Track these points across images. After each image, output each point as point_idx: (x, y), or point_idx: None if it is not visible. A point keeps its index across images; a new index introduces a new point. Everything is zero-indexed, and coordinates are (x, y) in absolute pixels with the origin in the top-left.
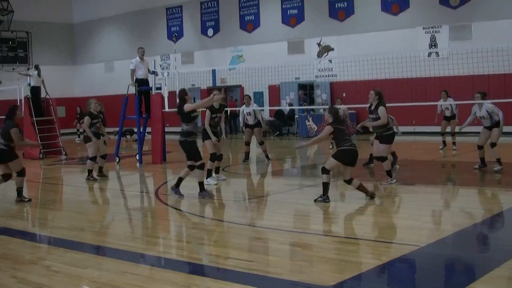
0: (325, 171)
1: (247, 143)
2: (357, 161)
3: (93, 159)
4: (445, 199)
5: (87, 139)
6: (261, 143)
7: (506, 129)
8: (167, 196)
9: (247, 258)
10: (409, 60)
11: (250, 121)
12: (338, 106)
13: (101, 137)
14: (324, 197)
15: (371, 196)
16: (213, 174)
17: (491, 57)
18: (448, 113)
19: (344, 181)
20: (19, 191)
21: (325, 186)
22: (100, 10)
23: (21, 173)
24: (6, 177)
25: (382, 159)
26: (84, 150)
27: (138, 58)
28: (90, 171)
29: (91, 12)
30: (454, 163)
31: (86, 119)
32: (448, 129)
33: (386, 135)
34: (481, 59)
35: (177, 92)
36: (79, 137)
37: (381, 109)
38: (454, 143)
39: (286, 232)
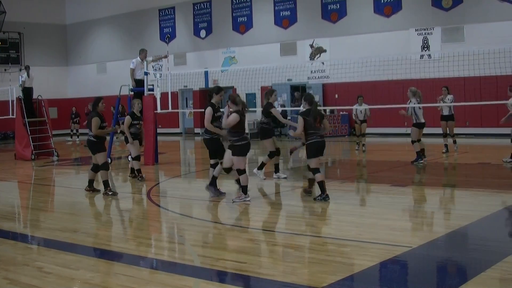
0: (315, 170)
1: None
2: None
3: (137, 158)
4: (437, 200)
5: (126, 140)
6: None
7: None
8: (159, 198)
9: (239, 259)
10: (402, 62)
11: None
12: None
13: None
14: (324, 196)
15: (308, 192)
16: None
17: (483, 59)
18: (446, 112)
19: (313, 168)
20: (105, 183)
21: (321, 184)
22: (93, 11)
23: (104, 166)
24: (106, 165)
25: None
26: (76, 152)
27: (139, 58)
28: (138, 171)
29: (84, 13)
30: (447, 164)
31: (127, 119)
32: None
33: None
34: (473, 61)
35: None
36: (71, 138)
37: None
38: (455, 142)
39: (278, 234)
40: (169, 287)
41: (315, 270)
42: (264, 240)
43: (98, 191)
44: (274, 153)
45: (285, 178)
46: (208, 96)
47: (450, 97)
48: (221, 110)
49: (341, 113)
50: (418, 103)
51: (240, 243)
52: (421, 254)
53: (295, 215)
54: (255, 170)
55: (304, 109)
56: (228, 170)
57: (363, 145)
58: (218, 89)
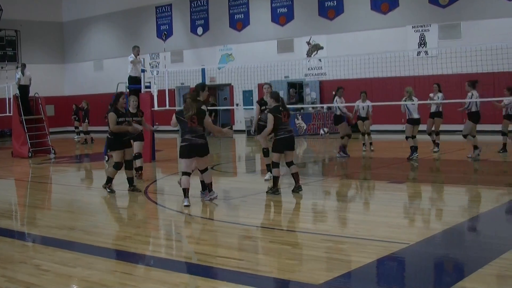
0: (275, 165)
1: None
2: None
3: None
4: (434, 197)
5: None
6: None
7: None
8: (156, 195)
9: (237, 256)
10: (398, 59)
11: None
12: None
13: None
14: (274, 190)
15: (297, 189)
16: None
17: (480, 56)
18: (433, 109)
19: (286, 163)
20: (109, 179)
21: (275, 179)
22: (90, 9)
23: (115, 165)
24: (118, 165)
25: None
26: (76, 149)
27: (133, 55)
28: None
29: (80, 10)
30: (443, 161)
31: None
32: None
33: None
34: (470, 58)
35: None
36: (78, 135)
37: None
38: (437, 144)
39: (275, 231)
40: (166, 284)
41: (312, 267)
42: (261, 237)
43: (114, 192)
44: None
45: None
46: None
47: (440, 95)
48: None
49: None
50: (408, 100)
51: (237, 240)
52: (418, 251)
53: (292, 212)
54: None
55: (274, 105)
56: (288, 164)
57: (370, 143)
58: (204, 86)
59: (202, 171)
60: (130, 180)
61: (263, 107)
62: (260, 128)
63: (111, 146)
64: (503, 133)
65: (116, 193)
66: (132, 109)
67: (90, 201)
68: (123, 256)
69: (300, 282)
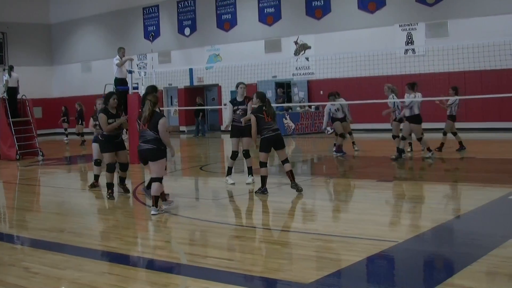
0: (262, 164)
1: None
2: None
3: (98, 163)
4: (423, 195)
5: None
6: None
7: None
8: (144, 196)
9: (227, 257)
10: (386, 58)
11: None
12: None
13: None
14: (263, 189)
15: (296, 188)
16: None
17: (467, 54)
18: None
19: (281, 161)
20: (108, 185)
21: (263, 178)
22: (77, 11)
23: (107, 167)
24: (111, 167)
25: None
26: (65, 151)
27: (118, 57)
28: (97, 177)
29: (68, 12)
30: (432, 160)
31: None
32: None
33: None
34: (457, 56)
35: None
36: (67, 136)
37: None
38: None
39: (265, 231)
40: (156, 285)
41: (302, 266)
42: (251, 237)
43: (113, 198)
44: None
45: (232, 184)
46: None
47: (419, 94)
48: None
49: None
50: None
51: (227, 240)
52: (408, 248)
53: (282, 212)
54: (226, 178)
55: (258, 105)
56: (283, 162)
57: (353, 143)
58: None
59: (151, 180)
60: (121, 180)
61: (235, 107)
62: (234, 129)
63: (103, 148)
64: (444, 133)
65: (104, 194)
66: (111, 110)
67: (79, 202)
68: (113, 257)
69: (290, 281)
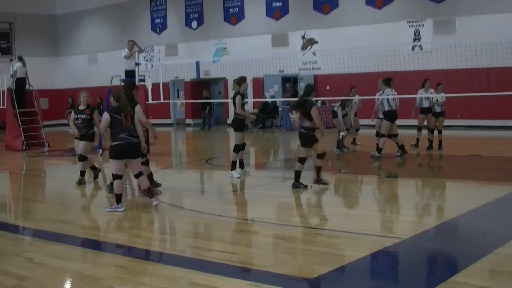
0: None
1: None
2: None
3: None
4: (428, 192)
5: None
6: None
7: (492, 123)
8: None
9: (231, 250)
10: (393, 54)
11: None
12: (352, 97)
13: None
14: (298, 184)
15: (318, 181)
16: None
17: (474, 51)
18: (426, 105)
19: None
20: (81, 173)
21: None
22: (84, 2)
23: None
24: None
25: None
26: (69, 142)
27: (127, 49)
28: (83, 173)
29: (74, 3)
30: (437, 156)
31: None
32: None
33: None
34: (465, 54)
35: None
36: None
37: None
38: (429, 139)
39: (269, 225)
40: (160, 278)
41: (306, 261)
42: (255, 231)
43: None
44: (240, 148)
45: (238, 177)
46: (128, 91)
47: (432, 90)
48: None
49: (332, 104)
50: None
51: (231, 234)
52: (412, 245)
53: (286, 206)
54: (233, 173)
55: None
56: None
57: (429, 139)
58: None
59: (137, 176)
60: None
61: (243, 101)
62: (233, 121)
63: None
64: (419, 128)
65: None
66: (82, 106)
67: (84, 194)
68: (116, 249)
69: (293, 276)
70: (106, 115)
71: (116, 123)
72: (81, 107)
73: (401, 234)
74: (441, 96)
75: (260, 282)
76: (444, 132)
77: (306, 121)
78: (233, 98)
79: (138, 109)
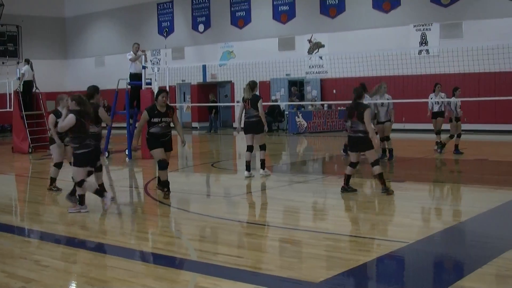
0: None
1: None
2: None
3: (59, 165)
4: (434, 196)
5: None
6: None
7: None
8: (156, 191)
9: (236, 254)
10: (400, 58)
11: None
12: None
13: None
14: (348, 187)
15: (384, 190)
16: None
17: (482, 55)
18: (436, 108)
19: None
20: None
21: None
22: (92, 5)
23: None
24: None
25: None
26: None
27: (132, 52)
28: (53, 180)
29: (82, 6)
30: (445, 160)
31: (51, 117)
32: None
33: None
34: (472, 58)
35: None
36: None
37: None
38: (437, 143)
39: (275, 229)
40: (166, 281)
41: (312, 265)
42: (261, 234)
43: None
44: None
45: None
46: (89, 96)
47: (443, 94)
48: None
49: (339, 108)
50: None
51: (237, 237)
52: (418, 249)
53: (292, 210)
54: (261, 171)
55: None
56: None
57: (437, 142)
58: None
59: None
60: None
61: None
62: (258, 124)
63: (151, 145)
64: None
65: (116, 189)
66: (64, 110)
67: (90, 197)
68: (122, 252)
69: (299, 280)
70: (72, 118)
71: (80, 128)
72: (64, 111)
73: (407, 238)
74: (459, 101)
75: (266, 286)
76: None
77: (359, 124)
78: (253, 102)
79: (101, 111)
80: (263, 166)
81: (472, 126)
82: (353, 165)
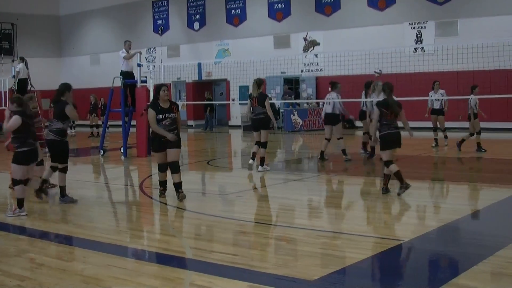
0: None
1: None
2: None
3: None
4: (430, 194)
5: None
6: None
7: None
8: (151, 190)
9: (232, 252)
10: (395, 56)
11: None
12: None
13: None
14: (405, 185)
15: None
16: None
17: (476, 53)
18: (437, 106)
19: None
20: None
21: (387, 177)
22: (87, 3)
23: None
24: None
25: None
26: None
27: (124, 50)
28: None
29: (77, 4)
30: (441, 158)
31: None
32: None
33: None
34: (467, 55)
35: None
36: (73, 128)
37: None
38: (446, 137)
39: (271, 226)
40: (161, 279)
41: (307, 263)
42: (257, 232)
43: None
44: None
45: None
46: (60, 94)
47: (442, 91)
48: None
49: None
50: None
51: (232, 235)
52: (413, 247)
53: (287, 208)
54: (259, 168)
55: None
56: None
57: (445, 137)
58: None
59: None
60: (176, 185)
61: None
62: (265, 121)
63: (153, 147)
64: (434, 129)
65: (111, 187)
66: (163, 103)
67: (85, 195)
68: (117, 250)
69: (294, 277)
70: (18, 119)
71: (25, 127)
72: (7, 113)
73: (402, 236)
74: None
75: (261, 283)
76: (448, 133)
77: (394, 120)
78: (260, 99)
79: (68, 108)
80: (262, 163)
81: (467, 124)
82: (390, 163)
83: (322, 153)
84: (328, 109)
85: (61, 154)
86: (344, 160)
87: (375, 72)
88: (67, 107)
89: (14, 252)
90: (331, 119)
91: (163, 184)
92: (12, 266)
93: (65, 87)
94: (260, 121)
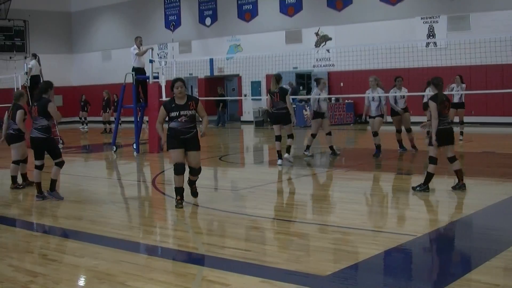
0: (432, 160)
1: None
2: None
3: (17, 162)
4: (441, 189)
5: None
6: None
7: (507, 120)
8: (164, 185)
9: (244, 247)
10: (407, 50)
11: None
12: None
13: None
14: (424, 187)
15: (459, 187)
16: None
17: (489, 47)
18: (456, 99)
19: (447, 158)
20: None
21: (429, 176)
22: None
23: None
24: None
25: None
26: (84, 139)
27: (135, 46)
28: (14, 178)
29: (88, 0)
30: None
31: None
32: (456, 119)
33: None
34: (479, 50)
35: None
36: (82, 125)
37: None
38: (461, 133)
39: (283, 222)
40: (173, 275)
41: (320, 258)
42: (269, 228)
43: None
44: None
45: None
46: (42, 91)
47: (463, 86)
48: None
49: (346, 101)
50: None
51: (244, 231)
52: (426, 242)
53: (300, 203)
54: (286, 155)
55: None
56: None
57: (461, 133)
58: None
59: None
60: (191, 181)
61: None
62: (286, 116)
63: (168, 144)
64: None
65: (123, 183)
66: (178, 100)
67: (97, 191)
68: (130, 246)
69: (307, 273)
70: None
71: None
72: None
73: (415, 231)
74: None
75: (273, 279)
76: (456, 129)
77: (447, 116)
78: (281, 94)
79: (50, 106)
80: (288, 150)
81: (480, 119)
82: (435, 161)
83: (331, 147)
84: (314, 106)
85: (49, 152)
86: (330, 154)
87: None
88: (50, 105)
89: (26, 248)
90: (319, 115)
91: (179, 192)
92: (25, 262)
93: (47, 85)
94: (282, 116)
